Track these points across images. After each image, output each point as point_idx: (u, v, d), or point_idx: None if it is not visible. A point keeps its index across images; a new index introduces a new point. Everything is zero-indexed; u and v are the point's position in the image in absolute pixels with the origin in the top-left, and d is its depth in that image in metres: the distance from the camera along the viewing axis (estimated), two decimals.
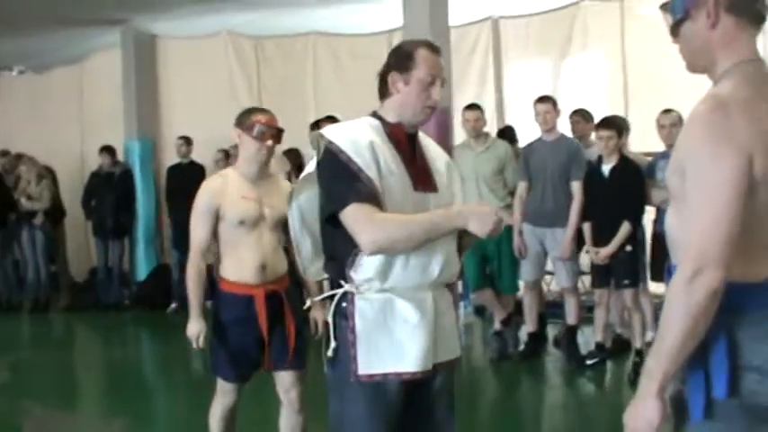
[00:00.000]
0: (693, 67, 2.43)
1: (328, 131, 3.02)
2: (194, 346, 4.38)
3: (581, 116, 8.04)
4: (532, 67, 10.51)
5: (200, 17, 10.90)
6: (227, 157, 10.52)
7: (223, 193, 4.33)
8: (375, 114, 3.12)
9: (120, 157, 11.56)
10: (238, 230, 4.32)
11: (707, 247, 2.13)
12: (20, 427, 6.51)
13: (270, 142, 4.34)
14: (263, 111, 4.48)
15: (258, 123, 4.31)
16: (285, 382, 4.47)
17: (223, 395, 4.48)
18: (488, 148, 7.71)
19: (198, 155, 10.81)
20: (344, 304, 3.00)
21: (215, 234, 4.38)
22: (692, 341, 2.18)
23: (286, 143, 6.28)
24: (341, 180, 2.92)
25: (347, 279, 2.98)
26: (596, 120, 7.52)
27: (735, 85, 2.26)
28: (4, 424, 6.43)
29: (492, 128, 8.88)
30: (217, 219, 4.33)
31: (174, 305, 10.67)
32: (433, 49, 3.05)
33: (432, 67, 3.01)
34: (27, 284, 11.50)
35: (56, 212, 11.62)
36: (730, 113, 2.18)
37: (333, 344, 3.01)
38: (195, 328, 4.35)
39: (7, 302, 11.56)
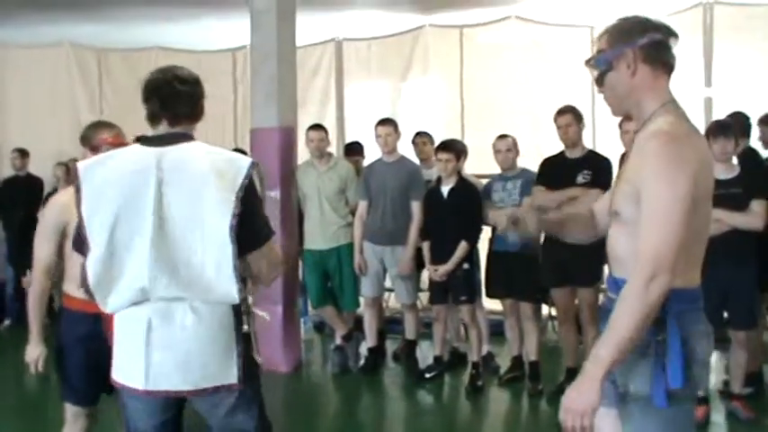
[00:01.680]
0: (619, 110, 2.90)
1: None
2: (32, 370, 4.24)
3: (427, 138, 8.36)
4: (373, 89, 10.78)
5: (41, 26, 10.63)
6: (68, 171, 10.34)
7: (71, 209, 4.00)
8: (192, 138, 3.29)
9: None
10: None
11: (662, 256, 2.53)
12: None
13: None
14: (108, 127, 4.33)
15: (104, 144, 4.15)
16: None
17: (74, 421, 4.32)
18: (331, 168, 7.89)
19: (37, 168, 10.54)
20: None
21: (60, 250, 4.22)
22: (640, 334, 2.56)
23: None
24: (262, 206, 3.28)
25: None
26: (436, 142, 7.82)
27: (672, 121, 2.69)
28: None
29: (333, 148, 9.07)
30: (63, 236, 4.16)
31: (7, 321, 10.37)
32: None
33: None
34: None
35: None
36: (682, 145, 2.59)
37: (260, 358, 3.36)
38: (35, 353, 4.23)
39: None
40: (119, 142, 4.18)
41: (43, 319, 4.23)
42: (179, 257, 3.02)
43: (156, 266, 3.02)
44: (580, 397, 2.58)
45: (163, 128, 3.22)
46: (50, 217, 4.24)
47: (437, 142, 7.70)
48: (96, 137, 4.22)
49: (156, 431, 3.30)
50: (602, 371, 2.56)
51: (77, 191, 3.14)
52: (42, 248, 4.23)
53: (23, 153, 10.55)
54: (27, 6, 9.73)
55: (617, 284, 2.77)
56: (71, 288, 4.24)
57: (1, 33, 11.18)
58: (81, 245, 3.16)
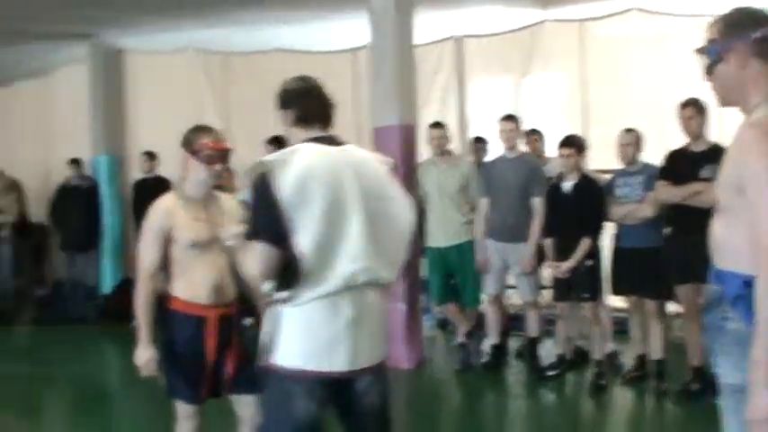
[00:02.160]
0: (726, 101, 2.86)
1: None
2: (143, 373, 4.23)
3: (538, 135, 8.31)
4: (494, 85, 10.73)
5: (167, 32, 10.97)
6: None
7: (174, 214, 4.19)
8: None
9: (87, 170, 11.62)
10: (191, 252, 4.17)
11: None
12: None
13: (218, 166, 4.21)
14: (209, 131, 4.27)
15: (205, 148, 4.15)
16: (240, 402, 4.31)
17: (185, 420, 4.27)
18: (452, 165, 7.90)
19: (166, 170, 10.81)
20: None
21: (165, 254, 4.19)
22: None
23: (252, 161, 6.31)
24: None
25: None
26: (557, 138, 7.73)
27: None
28: None
29: (455, 145, 9.07)
30: (168, 240, 4.17)
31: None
32: None
33: None
34: None
35: (23, 225, 11.68)
36: None
37: None
38: (145, 356, 4.20)
39: None
40: (219, 147, 4.22)
41: (152, 321, 4.20)
42: (385, 245, 3.32)
43: (370, 254, 3.25)
44: (757, 407, 2.55)
45: (315, 131, 3.37)
46: (153, 222, 4.20)
47: (556, 138, 7.62)
48: (197, 141, 4.19)
49: (321, 421, 3.32)
50: (763, 374, 2.53)
51: (272, 184, 3.12)
52: (147, 253, 4.19)
53: (152, 156, 10.91)
54: (152, 13, 10.05)
55: (718, 276, 2.77)
56: (176, 290, 4.25)
57: (130, 41, 11.60)
58: (274, 236, 3.14)
